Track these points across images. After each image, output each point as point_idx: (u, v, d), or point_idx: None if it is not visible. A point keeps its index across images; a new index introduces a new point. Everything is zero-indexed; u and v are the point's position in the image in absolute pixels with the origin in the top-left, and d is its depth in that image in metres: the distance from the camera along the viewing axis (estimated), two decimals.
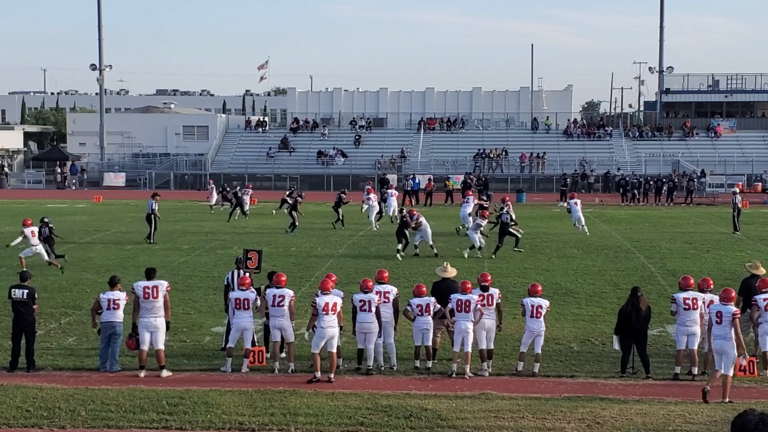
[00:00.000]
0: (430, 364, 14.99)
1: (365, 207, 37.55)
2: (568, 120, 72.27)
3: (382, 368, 14.97)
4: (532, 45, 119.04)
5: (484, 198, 42.66)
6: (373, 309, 14.76)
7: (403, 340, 15.98)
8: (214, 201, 45.83)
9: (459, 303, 14.75)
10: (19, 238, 25.82)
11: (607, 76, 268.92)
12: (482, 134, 71.06)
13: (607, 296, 21.22)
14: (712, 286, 15.26)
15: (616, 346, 14.90)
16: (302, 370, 14.46)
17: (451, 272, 16.36)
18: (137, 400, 13.07)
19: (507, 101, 76.11)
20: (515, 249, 28.39)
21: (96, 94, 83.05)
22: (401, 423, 12.12)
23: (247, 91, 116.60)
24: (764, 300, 14.58)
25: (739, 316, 13.70)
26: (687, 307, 14.62)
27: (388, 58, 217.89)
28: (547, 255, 28.10)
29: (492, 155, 65.96)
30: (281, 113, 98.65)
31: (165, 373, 14.52)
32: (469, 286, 15.05)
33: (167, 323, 14.93)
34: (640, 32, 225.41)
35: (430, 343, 15.06)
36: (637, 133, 69.34)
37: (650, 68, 73.03)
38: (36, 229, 25.76)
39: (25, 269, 18.91)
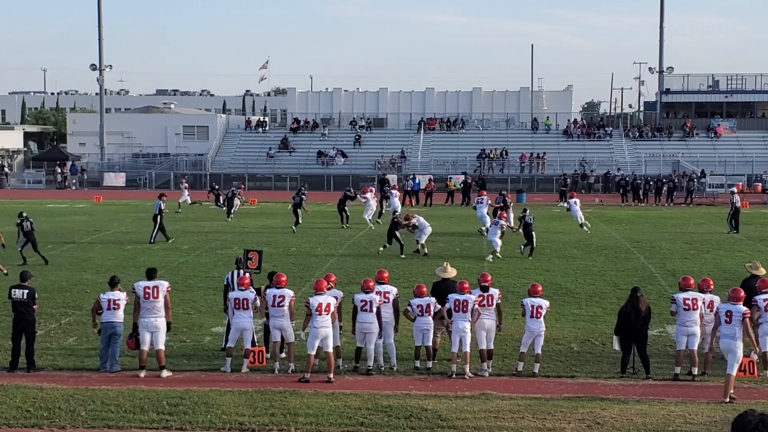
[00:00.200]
0: (430, 364, 15.00)
1: (365, 209, 37.66)
2: (568, 120, 72.27)
3: (382, 368, 14.98)
4: (532, 45, 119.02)
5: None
6: (374, 309, 14.78)
7: (403, 341, 15.98)
8: (183, 199, 45.70)
9: (456, 303, 14.76)
10: None
11: (607, 76, 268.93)
12: (482, 134, 71.06)
13: (607, 296, 21.22)
14: (712, 287, 15.27)
15: (616, 346, 14.90)
16: (302, 370, 14.45)
17: (451, 272, 16.37)
18: (137, 400, 13.07)
19: (507, 101, 76.11)
20: (519, 250, 28.24)
21: (96, 94, 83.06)
22: (401, 423, 12.12)
23: (247, 91, 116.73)
24: (764, 300, 14.58)
25: (749, 315, 13.72)
26: (687, 307, 14.63)
27: (388, 58, 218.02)
28: (547, 255, 28.10)
29: (492, 155, 65.96)
30: (281, 113, 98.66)
31: (165, 374, 14.53)
32: (467, 286, 15.05)
33: (168, 324, 14.94)
34: (640, 32, 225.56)
35: (431, 344, 15.06)
36: (637, 134, 69.34)
37: (650, 68, 73.09)
38: None
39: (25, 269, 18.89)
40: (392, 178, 56.83)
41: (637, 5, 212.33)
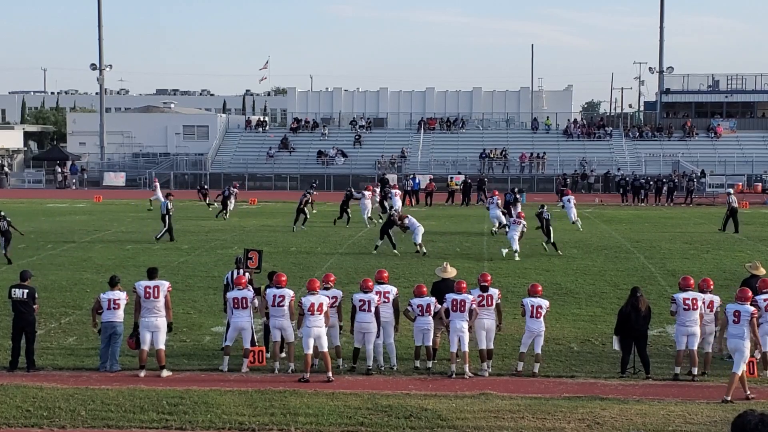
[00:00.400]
0: (430, 364, 15.00)
1: (362, 208, 38.01)
2: (568, 120, 72.27)
3: (382, 368, 14.98)
4: (533, 45, 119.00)
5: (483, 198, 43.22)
6: (373, 309, 14.78)
7: (403, 341, 15.99)
8: (154, 198, 45.70)
9: (454, 303, 14.76)
10: None
11: (607, 76, 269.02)
12: (482, 134, 71.07)
13: (607, 296, 21.22)
14: (712, 287, 15.27)
15: (616, 346, 14.89)
16: (302, 370, 14.46)
17: (451, 272, 16.36)
18: (137, 399, 13.07)
19: (507, 101, 76.11)
20: (544, 248, 28.51)
21: (96, 93, 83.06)
22: (401, 423, 12.12)
23: (247, 90, 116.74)
24: (764, 300, 14.58)
25: (757, 315, 13.72)
26: (687, 307, 14.62)
27: (388, 58, 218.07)
28: (547, 255, 28.09)
29: (492, 155, 65.96)
30: (281, 113, 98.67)
31: (165, 373, 14.53)
32: (464, 285, 15.06)
33: (169, 324, 14.95)
34: (640, 32, 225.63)
35: (431, 344, 15.06)
36: (637, 134, 69.34)
37: (650, 68, 73.11)
38: None
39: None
40: (392, 177, 56.85)
41: (637, 5, 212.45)
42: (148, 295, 14.67)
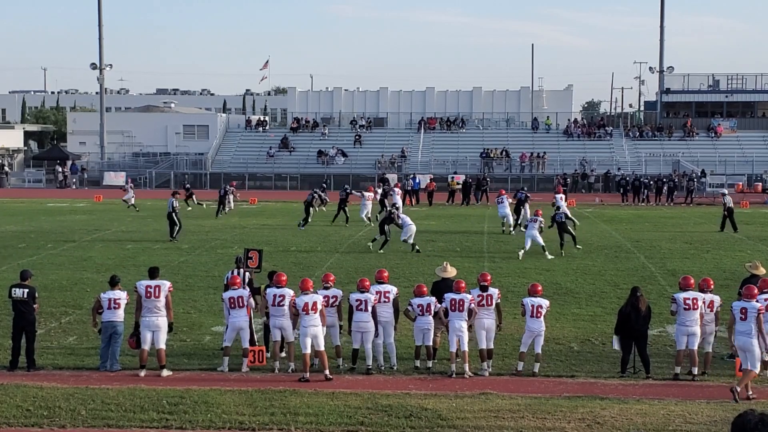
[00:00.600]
0: (430, 363, 15.00)
1: (361, 207, 38.35)
2: (569, 120, 72.28)
3: (382, 368, 14.98)
4: (533, 45, 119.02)
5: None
6: (370, 308, 14.80)
7: (404, 340, 15.99)
8: (129, 197, 45.84)
9: (453, 302, 14.76)
10: None
11: (608, 76, 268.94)
12: (482, 134, 71.07)
13: (607, 296, 21.22)
14: (712, 287, 15.27)
15: (616, 346, 14.89)
16: (302, 369, 14.45)
17: (451, 272, 16.36)
18: (137, 399, 13.07)
19: (507, 101, 76.10)
20: (576, 247, 28.63)
21: (96, 93, 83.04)
22: (401, 423, 12.12)
23: (247, 90, 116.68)
24: (765, 300, 14.57)
25: (764, 311, 13.72)
26: (687, 307, 14.62)
27: (389, 57, 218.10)
28: (547, 255, 28.06)
29: (492, 155, 65.95)
30: (281, 113, 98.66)
31: (165, 373, 14.53)
32: (463, 285, 15.06)
33: (170, 324, 14.96)
34: (641, 32, 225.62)
35: (431, 343, 15.07)
36: (638, 133, 69.34)
37: (650, 68, 73.09)
38: None
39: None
40: (392, 177, 56.86)
41: (638, 5, 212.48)
42: (149, 295, 14.68)
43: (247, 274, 16.38)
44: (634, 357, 14.76)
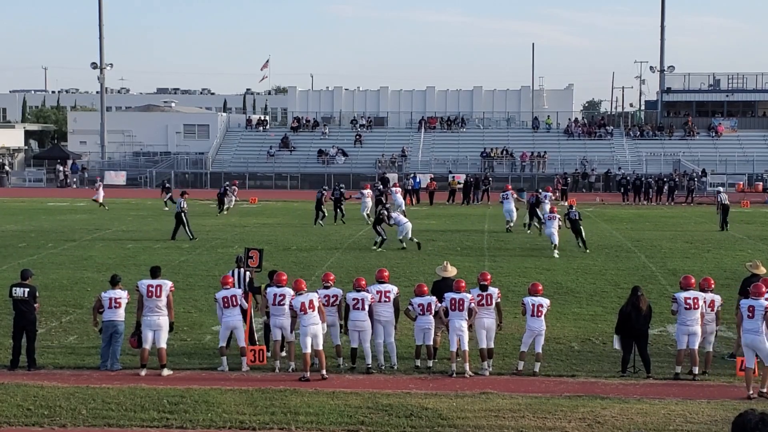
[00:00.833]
0: (430, 363, 14.99)
1: (361, 206, 38.73)
2: (569, 119, 72.27)
3: (383, 367, 14.98)
4: (533, 44, 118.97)
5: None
6: (366, 307, 14.80)
7: (404, 340, 15.99)
8: (100, 198, 46.08)
9: (453, 301, 14.76)
10: None
11: (608, 75, 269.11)
12: (483, 133, 71.05)
13: (607, 295, 21.21)
14: (713, 286, 15.26)
15: (617, 345, 14.89)
16: (303, 369, 14.45)
17: (452, 271, 16.35)
18: (138, 398, 13.07)
19: (508, 100, 76.08)
20: (579, 248, 28.88)
21: (97, 92, 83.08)
22: (402, 422, 12.12)
23: (247, 89, 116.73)
24: (766, 300, 14.55)
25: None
26: (688, 306, 14.61)
27: (389, 57, 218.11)
28: (547, 254, 28.08)
29: (493, 155, 65.94)
30: (282, 112, 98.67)
31: (166, 372, 14.53)
32: (463, 284, 15.05)
33: (171, 324, 14.97)
34: (641, 32, 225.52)
35: (431, 343, 15.06)
36: (638, 133, 69.31)
37: (651, 67, 73.04)
38: None
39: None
40: (393, 176, 56.85)
41: (638, 5, 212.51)
42: (150, 294, 14.69)
43: (248, 273, 16.38)
44: (635, 356, 14.75)
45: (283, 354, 15.05)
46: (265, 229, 35.80)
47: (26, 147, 79.95)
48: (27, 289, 15.11)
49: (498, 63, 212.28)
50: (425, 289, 15.38)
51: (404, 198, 47.12)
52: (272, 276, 15.42)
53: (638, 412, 12.56)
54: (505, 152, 66.28)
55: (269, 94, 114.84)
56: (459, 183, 52.47)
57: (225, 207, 42.98)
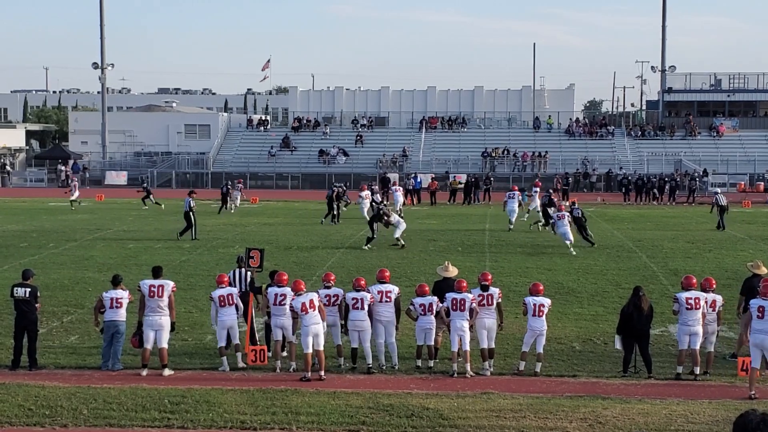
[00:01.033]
0: (431, 363, 14.99)
1: (360, 205, 39.06)
2: (570, 119, 72.25)
3: (384, 367, 14.97)
4: (534, 44, 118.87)
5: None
6: (366, 307, 14.80)
7: (405, 340, 15.98)
8: (75, 196, 46.31)
9: (454, 302, 14.76)
10: None
11: (610, 75, 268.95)
12: (484, 133, 71.04)
13: (609, 295, 21.20)
14: (714, 286, 15.24)
15: (618, 345, 14.88)
16: (304, 369, 14.46)
17: (453, 271, 16.34)
18: (139, 398, 13.07)
19: (509, 100, 76.09)
20: (590, 243, 29.45)
21: (98, 92, 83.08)
22: (403, 422, 12.11)
23: (248, 89, 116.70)
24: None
25: None
26: (689, 306, 14.60)
27: (390, 57, 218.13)
28: (548, 254, 28.09)
29: (494, 155, 65.92)
30: (283, 112, 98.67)
31: (167, 372, 14.54)
32: (465, 285, 15.04)
33: (173, 324, 14.99)
34: (642, 31, 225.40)
35: (433, 343, 15.06)
36: (640, 132, 69.29)
37: (652, 67, 73.03)
38: None
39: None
40: (393, 176, 56.85)
41: (639, 5, 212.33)
42: (152, 294, 14.70)
43: (249, 273, 16.38)
44: (636, 357, 14.74)
45: (284, 354, 15.05)
46: (266, 228, 35.81)
47: (27, 147, 79.98)
48: (28, 289, 15.11)
49: (499, 63, 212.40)
50: (427, 289, 15.37)
51: (405, 198, 47.24)
52: (273, 276, 15.42)
53: (639, 413, 12.55)
54: (506, 152, 66.24)
55: (270, 94, 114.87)
56: (460, 183, 52.43)
57: (230, 206, 43.43)
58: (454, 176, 55.00)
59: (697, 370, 14.55)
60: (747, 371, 14.23)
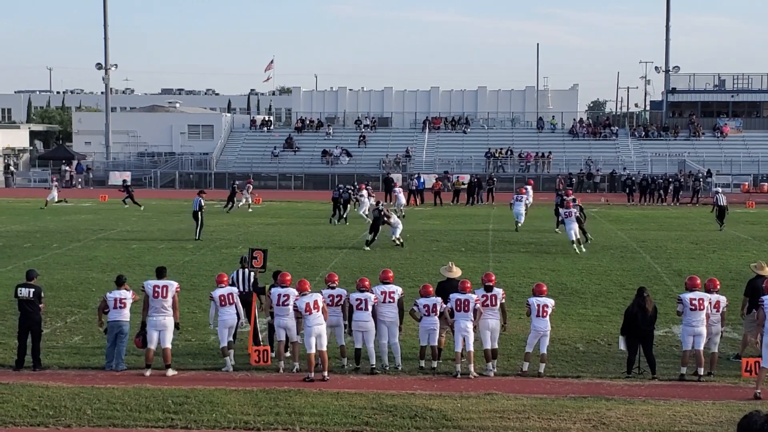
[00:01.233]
0: (435, 364, 14.99)
1: (359, 205, 39.51)
2: (574, 119, 72.22)
3: (387, 368, 14.97)
4: (538, 44, 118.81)
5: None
6: (369, 308, 14.80)
7: (408, 340, 15.98)
8: (53, 197, 46.65)
9: (458, 302, 14.75)
10: None
11: (613, 75, 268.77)
12: (487, 133, 71.01)
13: (612, 296, 21.18)
14: (718, 287, 15.21)
15: (622, 346, 14.86)
16: (307, 369, 14.45)
17: (456, 272, 16.33)
18: (143, 399, 13.08)
19: (512, 100, 76.07)
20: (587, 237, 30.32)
21: (101, 93, 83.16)
22: (406, 423, 12.11)
23: (252, 90, 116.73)
24: None
25: None
26: (693, 307, 14.59)
27: (393, 57, 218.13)
28: (552, 255, 28.07)
29: (498, 155, 65.88)
30: (286, 112, 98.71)
31: (170, 372, 14.55)
32: (469, 285, 15.04)
33: (177, 324, 15.00)
34: (646, 32, 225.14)
35: (436, 344, 15.05)
36: (643, 133, 69.24)
37: (656, 68, 72.94)
38: None
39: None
40: (397, 177, 56.85)
41: (643, 5, 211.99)
42: (156, 295, 14.72)
43: (252, 273, 16.38)
44: (640, 357, 14.73)
45: (288, 354, 15.06)
46: (269, 229, 35.82)
47: (31, 147, 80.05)
48: (32, 290, 15.13)
49: (502, 63, 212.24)
50: (431, 289, 15.36)
51: (408, 198, 47.28)
52: (276, 276, 15.43)
53: (643, 413, 12.54)
54: (509, 153, 66.20)
55: (273, 94, 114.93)
56: (463, 183, 52.41)
57: (242, 204, 44.01)
58: (458, 176, 54.95)
59: (701, 371, 14.54)
60: (751, 372, 14.21)
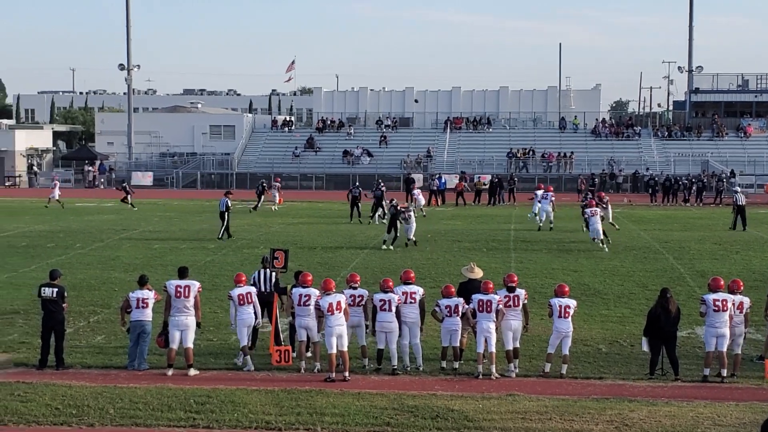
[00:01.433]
0: (456, 364, 14.96)
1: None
2: (596, 119, 71.86)
3: (408, 369, 14.95)
4: (560, 44, 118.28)
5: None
6: (393, 309, 14.78)
7: (429, 341, 15.96)
8: (55, 196, 46.96)
9: (480, 303, 14.71)
10: None
11: (636, 75, 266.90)
12: (509, 133, 70.81)
13: (635, 297, 21.06)
14: (742, 288, 15.10)
15: (645, 347, 14.78)
16: (328, 369, 14.46)
17: (478, 273, 16.30)
18: (165, 398, 13.14)
19: (534, 100, 75.87)
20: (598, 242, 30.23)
21: (124, 93, 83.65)
22: (428, 423, 12.09)
23: (273, 90, 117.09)
24: None
25: None
26: (717, 308, 14.48)
27: (415, 57, 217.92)
28: (574, 255, 27.96)
29: (519, 155, 65.67)
30: (307, 113, 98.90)
31: (192, 372, 14.60)
32: (491, 286, 15.00)
33: (198, 324, 15.06)
34: (669, 32, 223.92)
35: (458, 344, 15.02)
36: (666, 133, 68.79)
37: (679, 68, 72.46)
38: None
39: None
40: (418, 177, 56.79)
41: (666, 5, 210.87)
42: (179, 294, 14.77)
43: (273, 273, 16.42)
44: (663, 359, 14.64)
45: (309, 354, 15.07)
46: (290, 229, 35.88)
47: (54, 148, 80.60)
48: (55, 289, 15.23)
49: (524, 63, 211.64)
50: (453, 290, 15.34)
51: (429, 198, 47.19)
52: (298, 276, 15.45)
53: (666, 415, 12.46)
54: (531, 153, 65.96)
55: (295, 94, 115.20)
56: (484, 184, 52.28)
57: (269, 204, 44.58)
58: (479, 177, 54.80)
59: (725, 373, 14.43)
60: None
